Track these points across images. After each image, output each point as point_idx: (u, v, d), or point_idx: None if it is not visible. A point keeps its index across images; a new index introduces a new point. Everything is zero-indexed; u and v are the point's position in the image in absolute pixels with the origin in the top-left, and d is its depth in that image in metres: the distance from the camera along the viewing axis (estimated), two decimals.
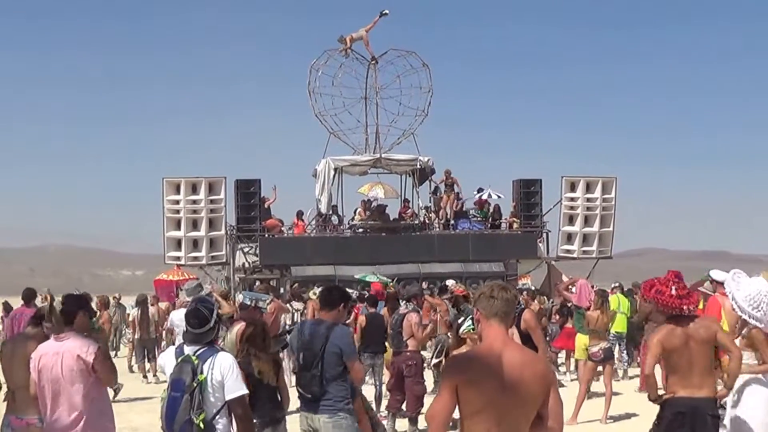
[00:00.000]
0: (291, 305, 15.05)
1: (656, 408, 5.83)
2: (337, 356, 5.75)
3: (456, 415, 3.66)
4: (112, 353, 19.85)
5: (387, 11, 25.68)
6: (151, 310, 16.78)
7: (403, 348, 10.02)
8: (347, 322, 7.73)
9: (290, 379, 7.91)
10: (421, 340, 10.42)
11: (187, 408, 4.76)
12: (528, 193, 25.45)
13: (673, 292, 5.62)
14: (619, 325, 14.54)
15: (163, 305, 18.93)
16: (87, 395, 5.48)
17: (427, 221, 24.99)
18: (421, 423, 9.33)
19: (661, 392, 5.82)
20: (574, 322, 12.99)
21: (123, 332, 21.61)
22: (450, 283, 17.24)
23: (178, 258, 23.57)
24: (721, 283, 7.44)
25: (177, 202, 23.48)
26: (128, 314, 19.30)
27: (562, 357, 15.67)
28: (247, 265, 23.80)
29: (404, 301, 10.91)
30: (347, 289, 8.99)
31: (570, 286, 13.22)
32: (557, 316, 16.09)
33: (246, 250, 23.90)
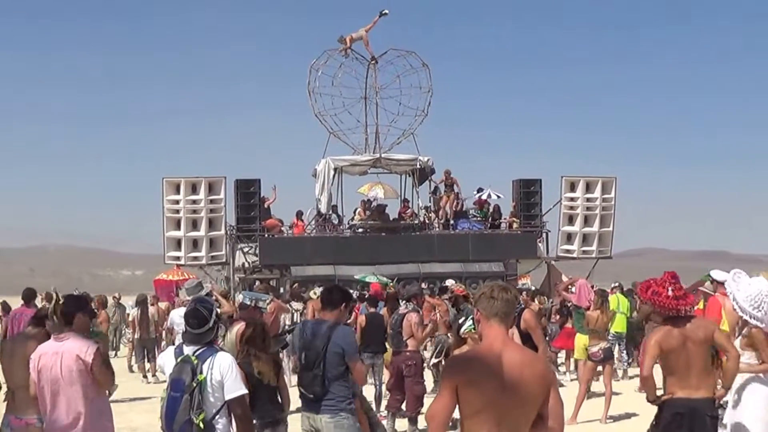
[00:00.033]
0: (291, 305, 15.04)
1: (656, 407, 5.83)
2: (340, 356, 5.75)
3: (456, 415, 3.66)
4: (112, 353, 19.87)
5: (387, 11, 25.67)
6: (151, 310, 16.79)
7: (402, 348, 10.02)
8: (347, 322, 7.72)
9: (290, 379, 7.92)
10: (421, 339, 10.42)
11: (186, 408, 4.76)
12: (528, 193, 25.45)
13: (670, 293, 5.62)
14: (619, 325, 14.55)
15: (162, 305, 18.95)
16: (86, 395, 5.48)
17: (426, 221, 24.99)
18: (421, 423, 9.33)
19: (659, 392, 5.83)
20: (573, 322, 12.99)
21: (123, 332, 21.63)
22: (450, 282, 17.24)
23: (178, 258, 23.57)
24: (722, 283, 7.44)
25: (177, 202, 23.49)
26: (128, 314, 19.32)
27: (561, 357, 15.68)
28: (246, 265, 23.80)
29: (404, 301, 10.90)
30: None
31: (569, 286, 13.23)
32: (557, 316, 16.10)
33: (246, 250, 23.90)
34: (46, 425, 5.59)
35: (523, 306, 8.87)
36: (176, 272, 23.05)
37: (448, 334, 11.24)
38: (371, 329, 10.88)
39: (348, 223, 25.12)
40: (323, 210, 24.65)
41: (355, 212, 24.95)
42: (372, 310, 11.42)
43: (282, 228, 24.50)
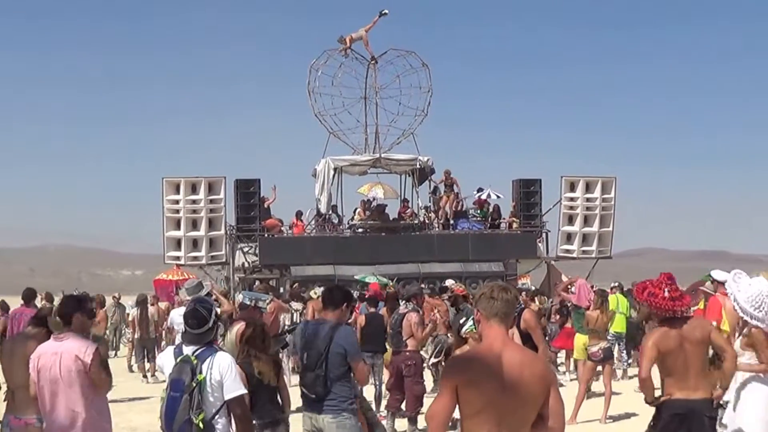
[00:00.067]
0: (291, 305, 15.05)
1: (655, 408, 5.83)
2: (342, 356, 5.75)
3: (456, 415, 3.66)
4: (112, 353, 19.89)
5: (387, 11, 25.66)
6: (151, 309, 16.79)
7: (402, 348, 10.02)
8: (348, 321, 7.72)
9: (290, 380, 7.92)
10: (421, 339, 10.42)
11: (186, 408, 4.76)
12: (527, 193, 25.45)
13: (666, 294, 5.61)
14: (619, 325, 14.54)
15: (162, 305, 18.93)
16: (85, 396, 5.47)
17: (426, 221, 24.99)
18: (421, 423, 9.33)
19: (657, 393, 5.83)
20: (573, 322, 13.00)
21: (123, 332, 21.62)
22: (449, 282, 17.24)
23: (178, 258, 23.57)
24: (722, 283, 7.44)
25: (177, 202, 23.49)
26: (128, 314, 19.31)
27: (561, 357, 15.68)
28: (246, 264, 23.80)
29: (404, 301, 10.90)
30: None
31: (569, 286, 13.23)
32: (557, 316, 16.10)
33: (246, 249, 23.90)
34: (45, 425, 5.59)
35: (523, 306, 8.86)
36: (176, 272, 23.04)
37: (448, 334, 11.24)
38: (371, 329, 10.87)
39: (348, 223, 25.11)
40: (323, 210, 24.65)
41: (354, 212, 24.95)
42: (372, 310, 11.42)
43: (282, 228, 24.49)
